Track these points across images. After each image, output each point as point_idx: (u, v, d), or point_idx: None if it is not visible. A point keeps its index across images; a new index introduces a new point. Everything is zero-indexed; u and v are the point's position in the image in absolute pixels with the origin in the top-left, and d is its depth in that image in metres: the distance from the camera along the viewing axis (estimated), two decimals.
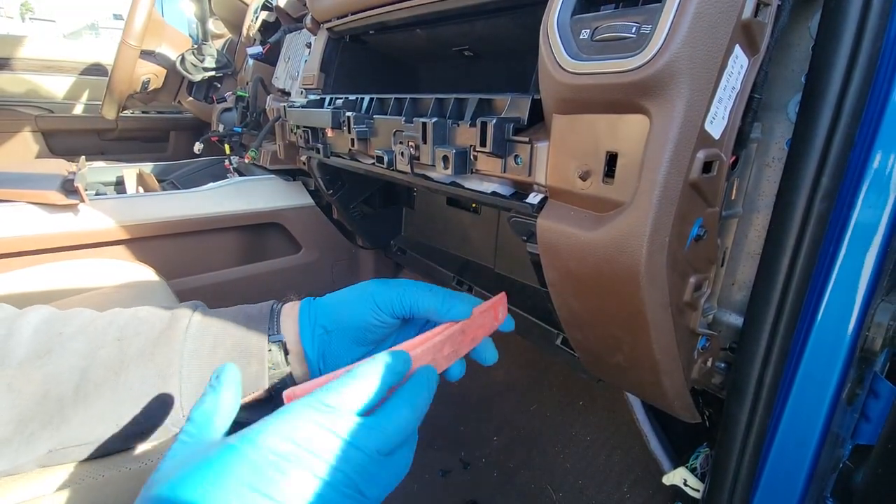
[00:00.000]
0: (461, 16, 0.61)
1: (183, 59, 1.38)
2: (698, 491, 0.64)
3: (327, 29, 0.82)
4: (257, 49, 1.08)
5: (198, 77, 1.40)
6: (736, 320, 0.50)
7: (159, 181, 1.16)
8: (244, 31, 1.27)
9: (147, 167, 1.17)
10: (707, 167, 0.34)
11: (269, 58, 1.19)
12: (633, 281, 0.36)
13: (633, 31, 0.32)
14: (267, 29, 1.26)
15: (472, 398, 1.13)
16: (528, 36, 0.61)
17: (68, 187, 0.80)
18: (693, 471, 0.65)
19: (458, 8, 0.57)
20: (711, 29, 0.30)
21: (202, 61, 1.38)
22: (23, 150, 1.74)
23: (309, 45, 0.95)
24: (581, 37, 0.36)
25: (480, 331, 0.44)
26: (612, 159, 0.36)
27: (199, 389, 0.38)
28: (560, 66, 0.36)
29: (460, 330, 0.41)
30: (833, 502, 0.57)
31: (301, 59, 1.02)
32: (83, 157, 1.04)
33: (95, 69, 1.89)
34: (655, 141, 0.32)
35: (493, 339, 0.47)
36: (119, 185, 1.13)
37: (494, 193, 0.48)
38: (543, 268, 0.45)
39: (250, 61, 1.25)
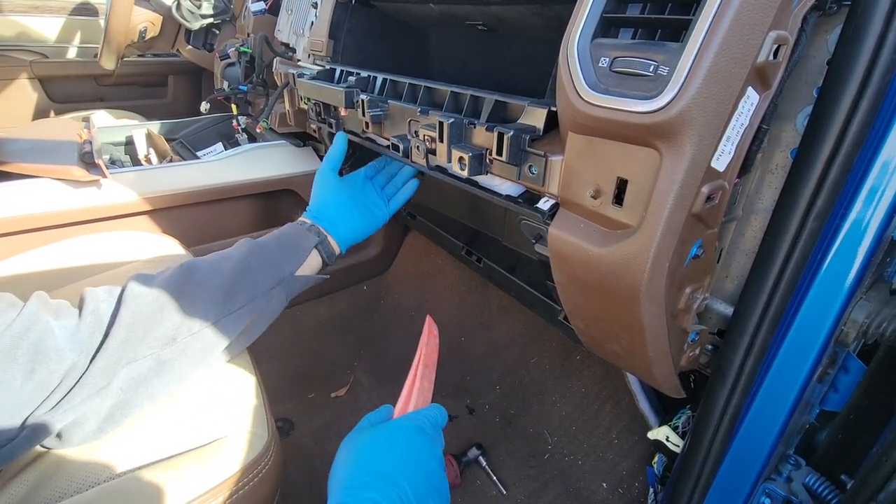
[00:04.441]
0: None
1: (179, 6, 1.31)
2: (678, 446, 0.72)
3: None
4: (260, 5, 1.04)
5: (196, 25, 1.34)
6: (726, 309, 0.54)
7: (168, 140, 1.16)
8: None
9: (155, 126, 1.17)
10: (710, 198, 0.37)
11: (270, 7, 1.14)
12: (633, 296, 0.40)
13: (651, 69, 0.34)
14: None
15: (478, 351, 1.22)
16: (545, 23, 0.60)
17: (87, 160, 0.82)
18: (675, 429, 0.73)
19: None
20: (726, 77, 0.32)
21: (199, 7, 1.31)
22: (23, 97, 1.71)
23: (315, 6, 0.91)
24: (600, 64, 0.37)
25: (434, 352, 0.59)
26: (622, 183, 0.39)
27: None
28: (578, 94, 0.37)
29: (424, 364, 0.55)
30: (796, 459, 0.65)
31: (306, 16, 0.98)
32: (91, 117, 1.04)
33: (84, 8, 1.80)
34: (664, 178, 0.35)
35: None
36: (129, 146, 1.14)
37: (508, 197, 0.50)
38: (552, 269, 0.49)
39: (249, 7, 1.20)
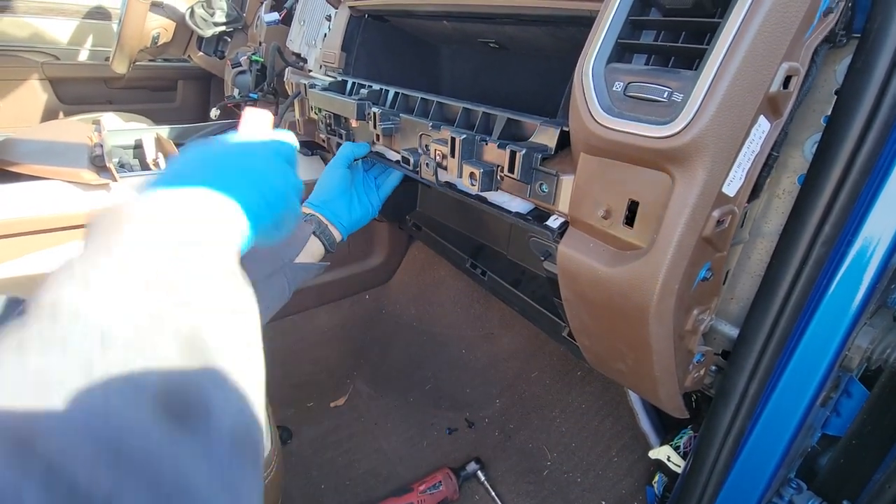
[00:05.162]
0: (492, 18, 0.60)
1: (192, 13, 1.33)
2: (679, 466, 0.72)
3: (349, 7, 0.81)
4: (273, 16, 1.05)
5: (208, 32, 1.36)
6: (731, 330, 0.55)
7: (177, 145, 1.17)
8: None
9: (164, 131, 1.18)
10: (720, 222, 0.37)
11: (284, 18, 1.16)
12: (642, 317, 0.40)
13: (665, 95, 0.34)
14: None
15: (479, 364, 1.21)
16: (557, 44, 0.61)
17: (98, 163, 0.83)
18: (676, 449, 0.73)
19: (492, 14, 0.56)
20: (739, 106, 0.32)
21: (212, 15, 1.33)
22: (33, 98, 1.72)
23: (329, 18, 0.92)
24: (614, 88, 0.37)
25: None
26: (633, 205, 0.39)
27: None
28: (592, 116, 0.38)
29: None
30: (798, 482, 0.65)
31: (319, 28, 1.00)
32: (101, 120, 1.05)
33: (98, 13, 1.82)
34: (675, 202, 0.35)
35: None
36: (138, 149, 1.15)
37: (517, 214, 0.51)
38: (560, 287, 0.49)
39: (262, 17, 1.22)
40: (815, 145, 0.43)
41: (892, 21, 0.35)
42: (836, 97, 0.40)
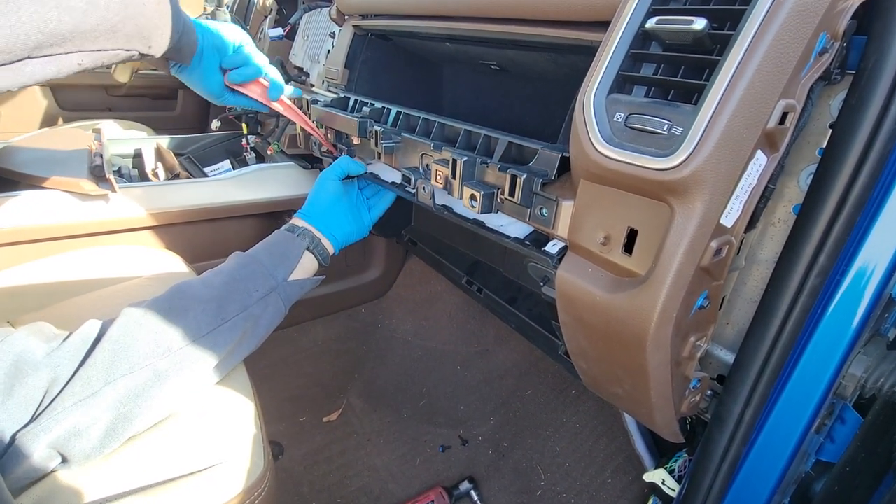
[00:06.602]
0: (494, 42, 0.61)
1: None
2: (674, 490, 0.71)
3: (353, 25, 0.82)
4: (278, 31, 1.06)
5: None
6: (726, 356, 0.55)
7: (176, 155, 1.17)
8: (259, 1, 1.23)
9: (164, 140, 1.18)
10: (718, 252, 0.38)
11: (287, 34, 1.17)
12: (639, 344, 0.40)
13: (665, 128, 0.35)
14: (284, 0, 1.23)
15: (473, 380, 1.21)
16: (558, 69, 0.62)
17: (98, 173, 0.83)
18: (671, 472, 0.73)
19: (494, 39, 0.57)
20: (738, 141, 0.33)
21: None
22: (32, 104, 1.72)
23: (332, 35, 0.94)
24: (615, 119, 0.38)
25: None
26: (632, 233, 0.40)
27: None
28: (593, 145, 0.38)
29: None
30: None
31: (322, 44, 1.01)
32: (101, 128, 1.05)
33: None
34: (675, 232, 0.36)
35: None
36: (137, 158, 1.15)
37: (516, 240, 0.51)
38: (558, 310, 0.49)
39: (266, 32, 1.23)
40: (811, 176, 0.43)
41: (886, 60, 0.36)
42: (830, 130, 0.41)
